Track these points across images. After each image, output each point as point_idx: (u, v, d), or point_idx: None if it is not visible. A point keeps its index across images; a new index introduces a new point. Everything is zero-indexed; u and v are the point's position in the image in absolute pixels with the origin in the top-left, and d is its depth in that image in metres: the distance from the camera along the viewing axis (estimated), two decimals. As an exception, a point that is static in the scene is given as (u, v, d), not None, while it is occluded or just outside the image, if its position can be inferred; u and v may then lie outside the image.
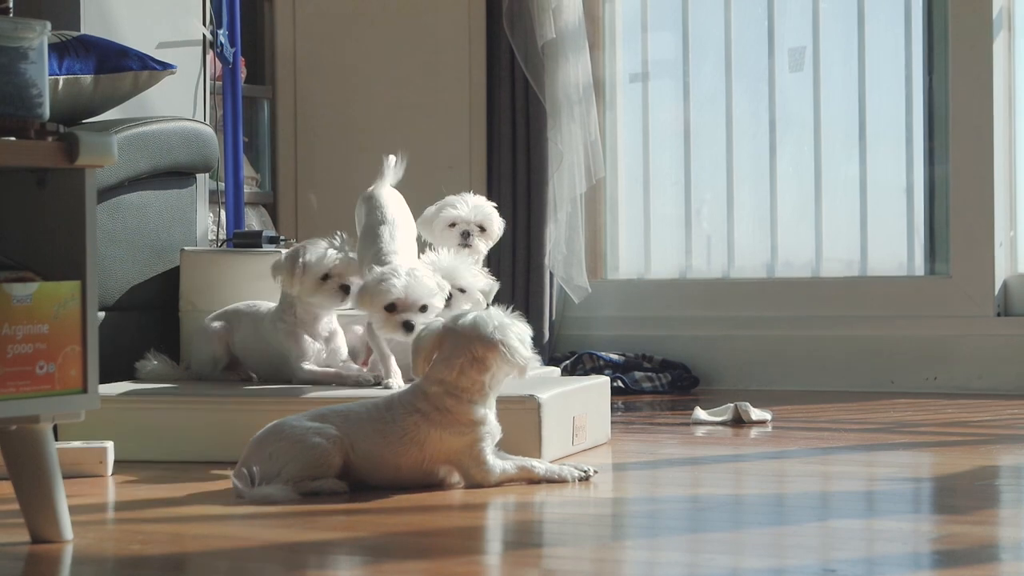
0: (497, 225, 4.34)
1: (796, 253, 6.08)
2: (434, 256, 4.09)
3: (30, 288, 2.80)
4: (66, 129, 2.90)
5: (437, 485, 3.47)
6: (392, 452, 3.45)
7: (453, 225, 4.28)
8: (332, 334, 4.18)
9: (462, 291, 4.05)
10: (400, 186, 4.21)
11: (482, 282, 4.10)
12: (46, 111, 2.88)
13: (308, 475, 3.39)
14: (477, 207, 4.30)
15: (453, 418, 3.43)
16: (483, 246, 4.31)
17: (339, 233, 4.13)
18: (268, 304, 4.27)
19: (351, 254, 4.08)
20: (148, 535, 3.02)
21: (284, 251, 4.30)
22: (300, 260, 4.05)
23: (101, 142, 2.91)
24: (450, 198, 4.33)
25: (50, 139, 2.86)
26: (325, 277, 4.06)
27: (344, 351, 4.20)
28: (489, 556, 2.89)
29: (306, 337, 4.13)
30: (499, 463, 3.48)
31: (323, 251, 4.06)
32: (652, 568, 2.73)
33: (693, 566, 2.71)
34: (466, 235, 4.27)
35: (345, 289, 4.05)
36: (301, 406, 3.75)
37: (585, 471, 3.55)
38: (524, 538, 3.03)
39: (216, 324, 4.29)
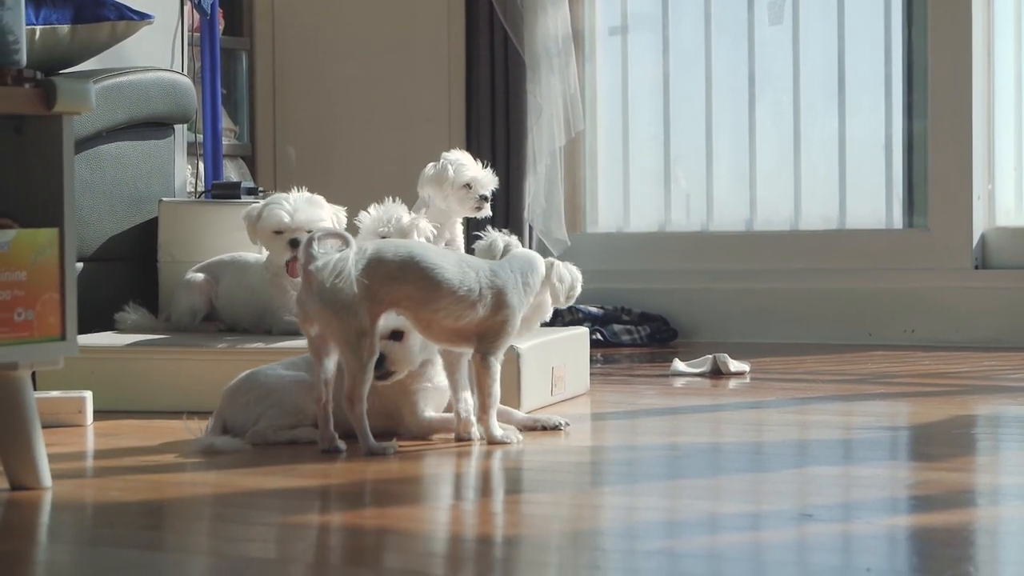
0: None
1: (775, 207, 6.08)
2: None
3: (7, 235, 2.79)
4: (43, 76, 2.88)
5: (404, 431, 3.46)
6: None
7: (468, 186, 4.15)
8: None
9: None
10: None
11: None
12: (23, 58, 2.87)
13: (285, 423, 3.39)
14: (488, 172, 4.16)
15: None
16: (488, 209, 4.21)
17: (296, 187, 4.11)
18: (255, 255, 4.26)
19: (318, 210, 4.05)
20: (127, 482, 3.02)
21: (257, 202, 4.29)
22: (256, 214, 4.06)
23: (79, 89, 2.90)
24: (458, 155, 4.17)
25: (27, 86, 2.85)
26: (278, 232, 4.06)
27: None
28: (468, 502, 2.90)
29: (290, 289, 4.12)
30: (427, 415, 3.47)
31: (277, 206, 4.05)
32: (631, 513, 2.74)
33: (671, 511, 2.72)
34: (485, 199, 4.15)
35: (294, 244, 4.03)
36: (278, 356, 3.75)
37: (557, 423, 3.55)
38: (503, 484, 3.04)
39: (199, 276, 4.28)
